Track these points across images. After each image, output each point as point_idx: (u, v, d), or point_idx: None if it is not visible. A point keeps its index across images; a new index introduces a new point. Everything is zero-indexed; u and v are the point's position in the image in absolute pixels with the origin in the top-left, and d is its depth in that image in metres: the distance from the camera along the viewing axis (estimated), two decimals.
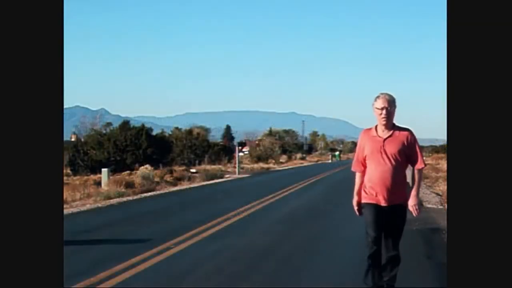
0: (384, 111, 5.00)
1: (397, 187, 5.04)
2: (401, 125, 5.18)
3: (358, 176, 5.32)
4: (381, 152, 5.03)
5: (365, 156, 5.16)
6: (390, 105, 5.03)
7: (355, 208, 5.31)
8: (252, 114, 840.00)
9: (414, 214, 5.10)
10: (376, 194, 5.09)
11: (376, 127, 5.15)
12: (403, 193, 5.10)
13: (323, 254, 7.80)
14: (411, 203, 5.07)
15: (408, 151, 5.06)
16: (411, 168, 5.23)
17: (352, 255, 7.41)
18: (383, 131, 5.09)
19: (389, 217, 5.10)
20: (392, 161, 5.01)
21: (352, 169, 5.34)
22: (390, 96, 5.07)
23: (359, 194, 5.28)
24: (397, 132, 5.08)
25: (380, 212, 5.09)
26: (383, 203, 5.07)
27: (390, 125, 5.08)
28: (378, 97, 5.08)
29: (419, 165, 5.10)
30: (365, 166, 5.22)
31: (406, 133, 5.10)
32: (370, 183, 5.12)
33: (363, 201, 5.20)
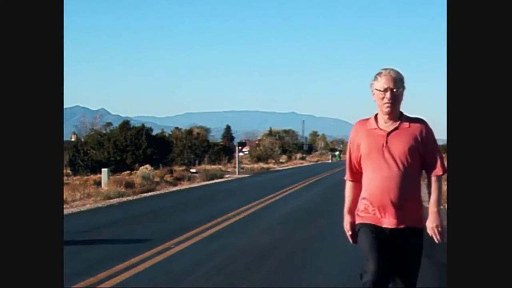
0: (388, 94, 3.51)
1: (408, 201, 3.53)
2: (410, 115, 3.69)
3: (349, 187, 3.81)
4: (383, 151, 3.52)
5: (360, 158, 3.67)
6: (397, 85, 3.54)
7: (348, 233, 3.79)
8: (252, 114, 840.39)
9: (436, 240, 3.59)
10: (376, 211, 3.58)
11: (376, 117, 3.65)
12: (416, 211, 3.58)
13: (323, 254, 7.80)
14: (431, 223, 3.56)
15: (423, 150, 3.55)
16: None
17: (353, 255, 7.41)
18: (385, 122, 3.59)
19: (398, 247, 3.56)
20: (400, 163, 3.50)
21: (346, 177, 3.86)
22: (396, 72, 3.58)
23: (352, 212, 3.76)
24: (406, 124, 3.58)
25: (383, 237, 3.57)
26: (386, 225, 3.56)
27: (396, 114, 3.59)
28: (379, 74, 3.58)
29: (438, 170, 3.58)
30: (360, 172, 3.73)
31: (418, 124, 3.59)
32: (368, 196, 3.62)
33: (357, 221, 3.70)
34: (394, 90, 3.54)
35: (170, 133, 53.95)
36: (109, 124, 58.31)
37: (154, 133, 44.87)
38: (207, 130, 75.12)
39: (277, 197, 16.60)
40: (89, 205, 15.69)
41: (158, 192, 20.39)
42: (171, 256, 7.56)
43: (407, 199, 3.54)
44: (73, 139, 50.50)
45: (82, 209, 14.46)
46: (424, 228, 3.60)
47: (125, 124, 42.22)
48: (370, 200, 3.61)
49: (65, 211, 13.14)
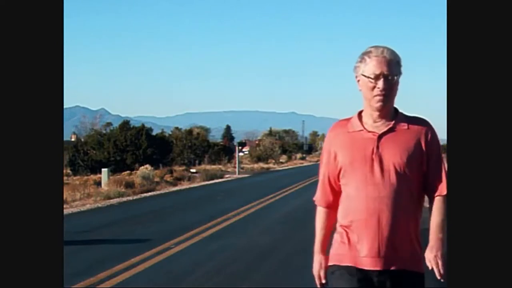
0: (380, 82, 2.53)
1: (403, 233, 2.58)
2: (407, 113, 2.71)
3: (322, 216, 2.74)
4: (372, 161, 2.55)
5: (339, 173, 2.63)
6: (392, 70, 2.56)
7: (319, 280, 2.71)
8: (252, 114, 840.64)
9: (438, 274, 2.56)
10: (358, 246, 2.56)
11: (359, 115, 2.65)
12: (414, 248, 2.64)
13: None
14: (433, 252, 2.59)
15: (426, 162, 2.63)
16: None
17: None
18: (375, 121, 2.61)
19: None
20: (395, 178, 2.54)
21: (315, 199, 2.77)
22: (391, 52, 2.60)
23: (324, 251, 2.74)
24: (403, 125, 2.62)
25: (367, 285, 2.56)
26: (371, 266, 2.54)
27: (390, 110, 2.62)
28: (367, 54, 2.59)
29: (442, 189, 2.64)
30: (337, 195, 2.68)
31: (420, 126, 2.65)
32: (347, 224, 2.60)
33: (330, 261, 2.65)
34: (389, 77, 2.54)
35: (170, 133, 53.96)
36: (109, 124, 58.28)
37: (154, 133, 44.86)
38: (207, 130, 75.13)
39: (277, 197, 16.60)
40: (89, 205, 15.70)
41: (158, 192, 20.40)
42: (171, 256, 7.56)
43: (402, 229, 2.56)
44: (73, 139, 50.51)
45: (82, 209, 14.48)
46: (424, 274, 2.64)
47: (125, 124, 42.22)
48: (350, 229, 2.58)
49: (65, 211, 13.14)
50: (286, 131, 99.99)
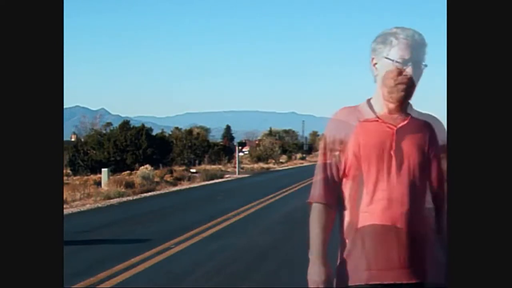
0: (410, 70, 2.21)
1: (426, 242, 2.25)
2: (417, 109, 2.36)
3: (319, 216, 2.24)
4: (390, 157, 2.20)
5: (345, 166, 2.23)
6: (422, 57, 2.25)
7: None
8: (252, 114, 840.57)
9: None
10: (375, 259, 2.19)
11: (369, 103, 2.28)
12: (436, 257, 2.29)
13: None
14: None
15: (436, 167, 2.29)
16: None
17: None
18: (390, 113, 2.24)
19: None
20: (414, 178, 2.21)
21: (310, 199, 2.27)
22: (422, 38, 2.28)
23: (324, 259, 2.22)
24: (421, 121, 2.30)
25: None
26: (390, 279, 2.19)
27: (406, 103, 2.27)
28: (394, 34, 2.24)
29: (444, 203, 2.27)
30: (337, 190, 2.27)
31: (438, 128, 2.35)
32: (359, 233, 2.21)
33: (337, 281, 2.25)
34: (419, 64, 2.23)
35: (170, 133, 53.95)
36: (109, 124, 58.23)
37: (154, 133, 44.86)
38: (207, 130, 75.10)
39: (277, 197, 16.61)
40: (89, 205, 15.71)
41: (158, 192, 20.41)
42: (171, 256, 7.57)
43: (425, 237, 2.23)
44: (73, 139, 50.49)
45: (82, 209, 14.49)
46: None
47: (125, 124, 42.21)
48: (364, 239, 2.19)
49: (65, 211, 13.15)
50: (286, 131, 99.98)
